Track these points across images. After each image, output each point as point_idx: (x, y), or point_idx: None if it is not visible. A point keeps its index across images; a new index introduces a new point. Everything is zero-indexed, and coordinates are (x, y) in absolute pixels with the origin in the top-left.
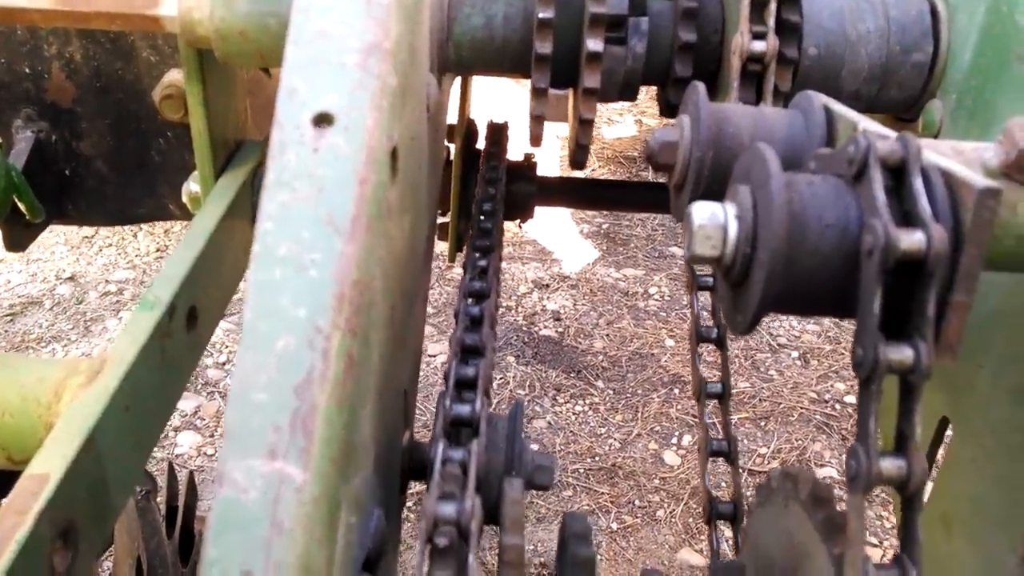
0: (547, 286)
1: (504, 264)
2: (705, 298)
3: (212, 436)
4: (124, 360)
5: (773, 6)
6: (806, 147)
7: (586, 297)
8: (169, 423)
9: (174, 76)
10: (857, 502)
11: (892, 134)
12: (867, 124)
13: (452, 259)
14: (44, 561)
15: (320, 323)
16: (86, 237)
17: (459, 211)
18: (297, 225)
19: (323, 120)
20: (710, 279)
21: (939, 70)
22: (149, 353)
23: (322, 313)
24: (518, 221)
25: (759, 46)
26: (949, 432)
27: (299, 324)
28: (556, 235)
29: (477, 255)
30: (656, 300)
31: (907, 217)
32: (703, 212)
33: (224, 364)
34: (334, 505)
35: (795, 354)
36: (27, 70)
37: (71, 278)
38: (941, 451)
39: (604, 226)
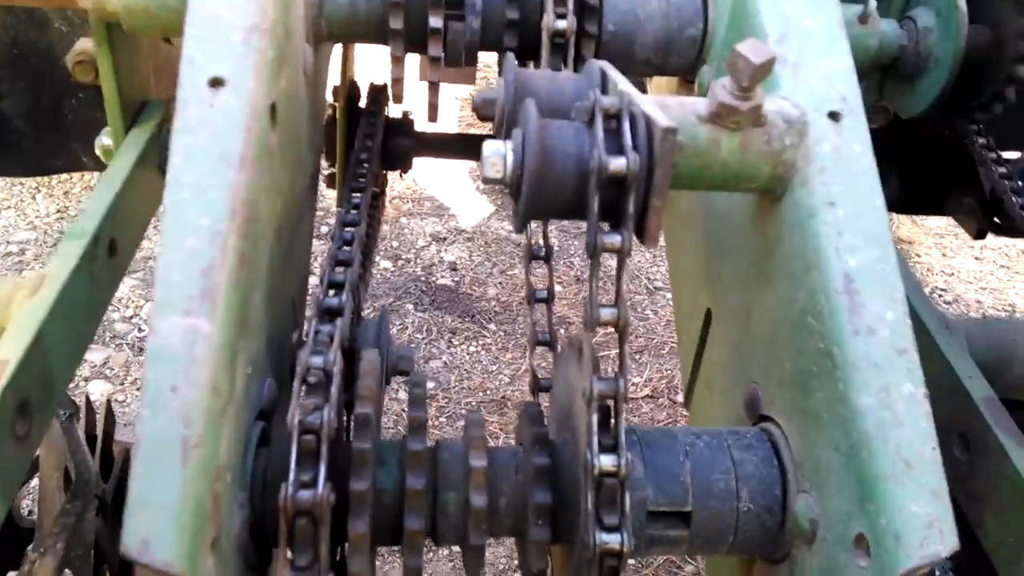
0: (444, 239)
1: (404, 220)
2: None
3: (122, 384)
4: (60, 277)
5: None
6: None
7: (481, 248)
8: (79, 373)
9: (85, 44)
10: (587, 336)
11: (630, 89)
12: (624, 85)
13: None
14: (8, 426)
15: (218, 228)
16: None
17: (344, 162)
18: (199, 160)
19: (216, 83)
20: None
21: (708, 43)
22: (80, 273)
23: (219, 222)
24: (399, 172)
25: (561, 24)
26: None
27: (202, 229)
28: (453, 191)
29: (352, 194)
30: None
31: (619, 148)
32: (490, 147)
33: (131, 318)
34: (233, 352)
35: (669, 295)
36: None
37: None
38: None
39: None
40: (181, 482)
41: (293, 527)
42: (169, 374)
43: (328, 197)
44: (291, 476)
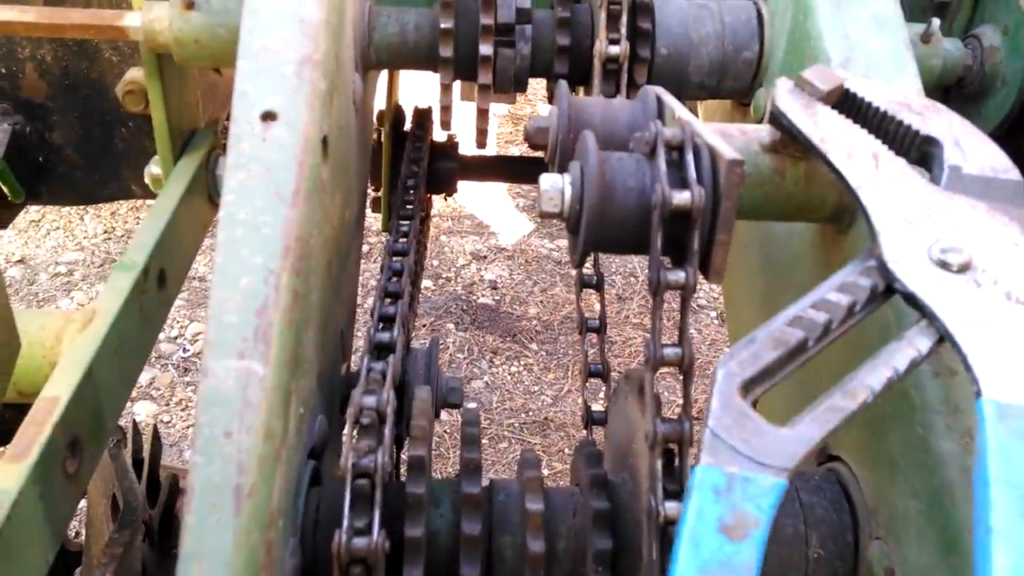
0: (485, 257)
1: (444, 238)
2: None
3: (167, 405)
4: (111, 311)
5: (625, 18)
6: (643, 129)
7: (521, 267)
8: None
9: (135, 74)
10: (649, 376)
11: (690, 117)
12: (683, 113)
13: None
14: (59, 464)
15: (272, 266)
16: (33, 221)
17: (390, 187)
18: (252, 196)
19: (269, 116)
20: None
21: (764, 65)
22: (130, 306)
23: (273, 259)
24: (444, 195)
25: (614, 50)
26: None
27: (256, 268)
28: (493, 209)
29: (400, 222)
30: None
31: (683, 182)
32: (547, 181)
33: (176, 338)
34: (287, 394)
35: (713, 314)
36: (3, 70)
37: (21, 261)
38: None
39: None
40: (234, 532)
41: (347, 575)
42: (223, 419)
43: (370, 217)
44: (344, 523)
